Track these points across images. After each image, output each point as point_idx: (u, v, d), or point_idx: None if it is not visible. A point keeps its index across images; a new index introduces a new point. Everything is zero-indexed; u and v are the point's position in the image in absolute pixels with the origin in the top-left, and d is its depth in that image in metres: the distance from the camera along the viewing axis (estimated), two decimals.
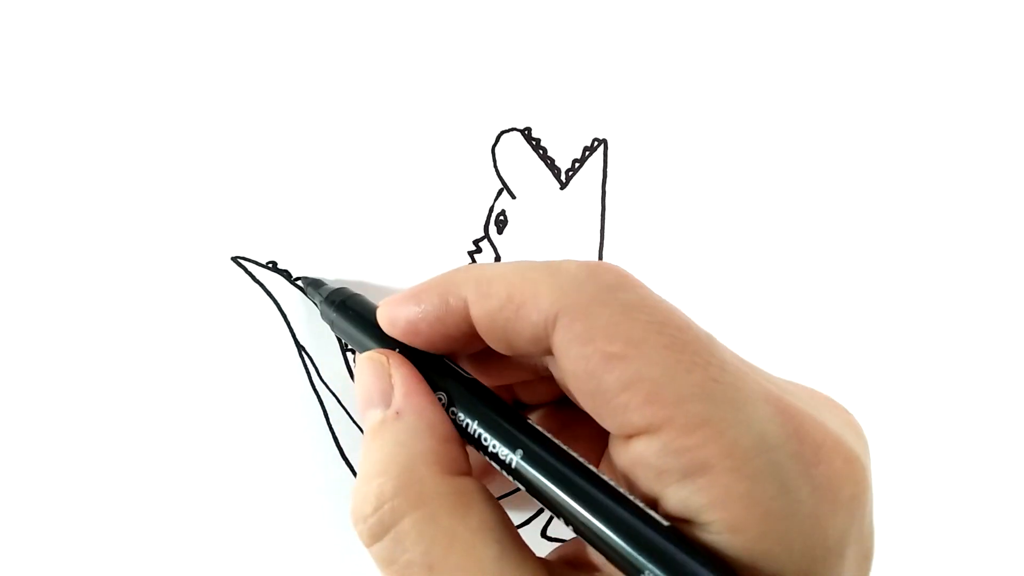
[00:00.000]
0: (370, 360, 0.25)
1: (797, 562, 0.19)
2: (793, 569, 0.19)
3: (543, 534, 0.33)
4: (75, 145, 0.28)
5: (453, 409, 0.24)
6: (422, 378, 0.24)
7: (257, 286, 0.30)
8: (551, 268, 0.22)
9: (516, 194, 0.32)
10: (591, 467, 0.22)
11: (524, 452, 0.22)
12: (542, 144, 0.32)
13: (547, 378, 0.25)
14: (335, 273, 0.30)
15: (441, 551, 0.21)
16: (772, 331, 0.35)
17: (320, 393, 0.31)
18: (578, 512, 0.21)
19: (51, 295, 0.28)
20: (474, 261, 0.32)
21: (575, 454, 0.22)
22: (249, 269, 0.30)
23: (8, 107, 0.28)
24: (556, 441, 0.23)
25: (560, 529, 0.32)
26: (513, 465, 0.22)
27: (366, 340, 0.26)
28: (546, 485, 0.22)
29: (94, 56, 0.28)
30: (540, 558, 0.22)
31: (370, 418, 0.24)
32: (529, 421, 0.23)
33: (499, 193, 0.32)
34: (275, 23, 0.29)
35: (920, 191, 0.36)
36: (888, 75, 0.36)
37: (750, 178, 0.35)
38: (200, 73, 0.29)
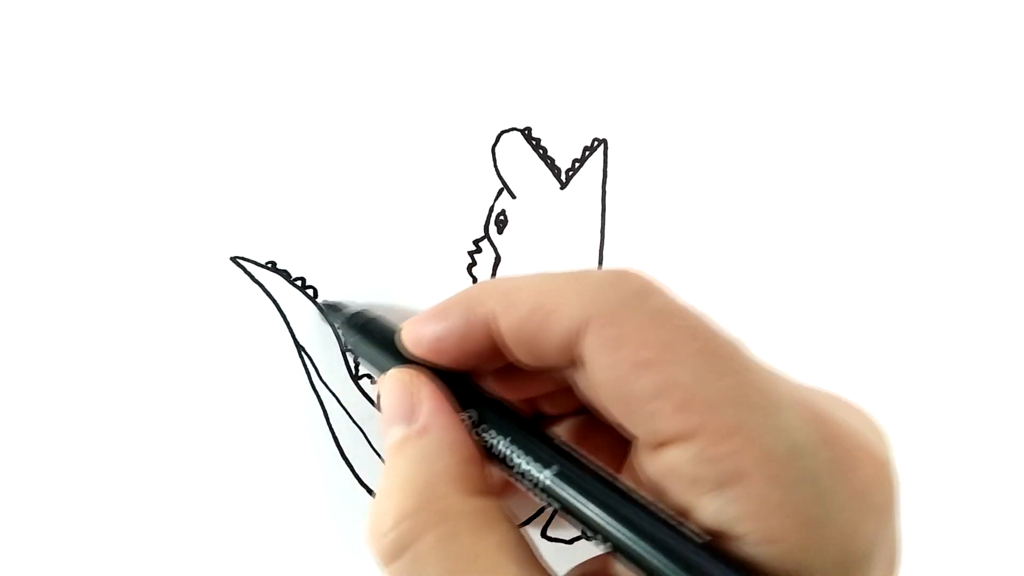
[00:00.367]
0: (395, 377, 0.24)
1: (830, 571, 0.19)
2: None
3: (543, 534, 0.33)
4: (75, 146, 0.28)
5: (480, 428, 0.24)
6: (448, 396, 0.24)
7: (256, 286, 0.30)
8: (576, 276, 0.22)
9: (516, 194, 0.32)
10: (625, 482, 0.21)
11: (557, 470, 0.22)
12: (542, 144, 0.32)
13: (565, 390, 0.25)
14: (335, 273, 0.30)
15: (462, 571, 0.20)
16: (773, 331, 0.35)
17: (320, 393, 0.31)
18: (615, 530, 0.21)
19: (51, 295, 0.28)
20: (474, 261, 0.32)
21: (608, 470, 0.22)
22: (248, 269, 0.30)
23: (8, 107, 0.28)
24: (588, 457, 0.22)
25: (560, 529, 0.32)
26: (545, 483, 0.22)
27: (389, 361, 0.26)
28: (582, 503, 0.21)
29: (94, 57, 0.28)
30: None
31: (392, 435, 0.24)
32: (558, 440, 0.23)
33: (499, 193, 0.32)
34: (275, 23, 0.29)
35: (921, 190, 0.36)
36: (888, 75, 0.36)
37: (750, 178, 0.35)
38: (200, 74, 0.29)
